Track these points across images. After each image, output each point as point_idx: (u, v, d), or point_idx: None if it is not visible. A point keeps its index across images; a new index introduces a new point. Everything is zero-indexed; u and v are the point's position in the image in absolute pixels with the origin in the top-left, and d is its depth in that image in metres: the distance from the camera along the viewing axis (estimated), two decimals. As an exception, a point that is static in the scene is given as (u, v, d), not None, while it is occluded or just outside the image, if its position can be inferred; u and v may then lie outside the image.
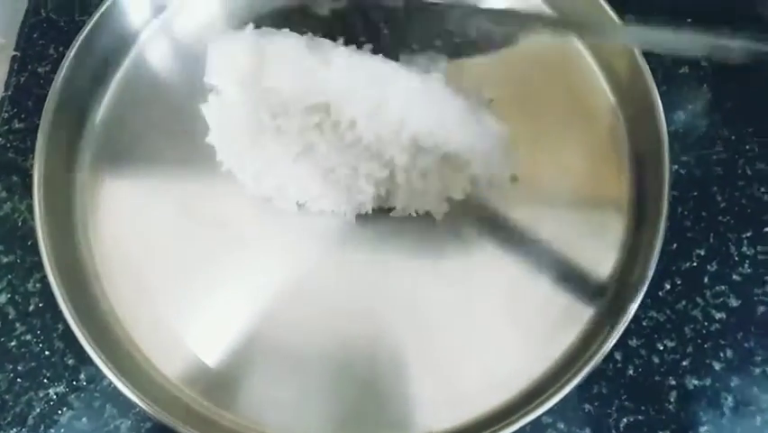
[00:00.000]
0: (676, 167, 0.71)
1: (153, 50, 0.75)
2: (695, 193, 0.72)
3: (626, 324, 0.59)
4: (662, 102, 0.66)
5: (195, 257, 0.65)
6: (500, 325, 0.64)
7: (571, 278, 0.65)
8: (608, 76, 0.72)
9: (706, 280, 0.68)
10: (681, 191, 0.70)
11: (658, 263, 0.61)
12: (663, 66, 0.75)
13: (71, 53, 0.69)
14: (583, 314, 0.64)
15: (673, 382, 0.64)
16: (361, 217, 0.66)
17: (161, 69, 0.75)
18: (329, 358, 0.62)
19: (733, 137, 0.73)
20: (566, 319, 0.64)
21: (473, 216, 0.67)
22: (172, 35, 0.76)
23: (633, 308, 0.59)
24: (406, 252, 0.66)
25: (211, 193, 0.67)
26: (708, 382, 0.64)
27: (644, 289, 0.60)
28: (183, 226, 0.67)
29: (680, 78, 0.77)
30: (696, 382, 0.64)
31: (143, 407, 0.57)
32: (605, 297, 0.64)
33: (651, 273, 0.60)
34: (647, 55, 0.67)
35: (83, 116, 0.72)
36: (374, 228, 0.66)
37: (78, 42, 0.69)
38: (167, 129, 0.71)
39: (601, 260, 0.66)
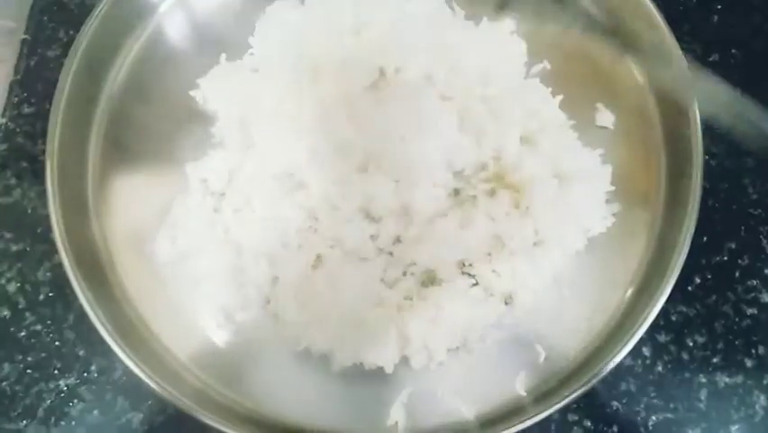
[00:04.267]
0: (706, 157, 0.69)
1: (166, 32, 0.73)
2: (726, 185, 0.69)
3: (654, 318, 0.57)
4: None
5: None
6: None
7: (597, 266, 0.63)
8: (639, 59, 0.69)
9: (737, 274, 0.66)
10: (711, 183, 0.68)
11: (688, 257, 0.58)
12: (694, 53, 0.73)
13: (82, 36, 0.67)
14: (609, 306, 0.62)
15: (704, 380, 0.62)
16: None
17: (176, 49, 0.72)
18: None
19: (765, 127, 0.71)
20: (591, 312, 0.62)
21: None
22: (187, 13, 0.74)
23: (661, 301, 0.57)
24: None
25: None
26: (739, 379, 0.62)
27: (673, 281, 0.58)
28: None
29: (710, 65, 0.74)
30: (727, 379, 0.63)
31: (159, 391, 0.55)
32: (632, 289, 0.62)
33: (680, 266, 0.58)
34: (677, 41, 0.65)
35: (95, 100, 0.69)
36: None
37: (90, 25, 0.67)
38: (180, 112, 0.69)
39: (629, 250, 0.63)
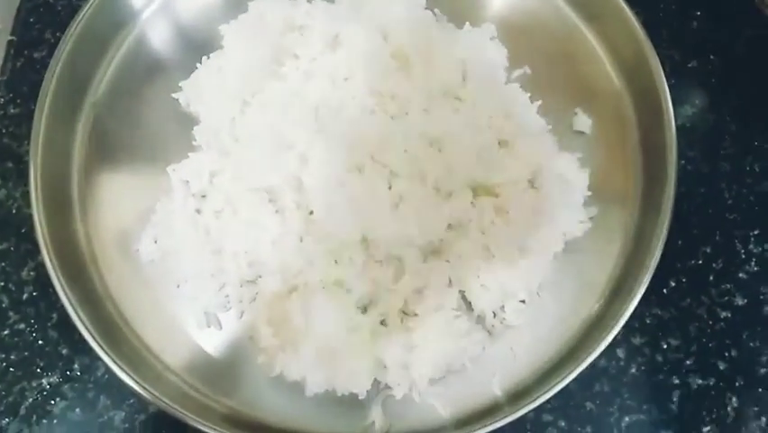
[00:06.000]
0: (683, 162, 0.70)
1: (153, 32, 0.74)
2: (702, 189, 0.70)
3: (627, 320, 0.58)
4: (671, 95, 0.64)
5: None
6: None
7: (573, 268, 0.64)
8: (617, 64, 0.71)
9: (711, 277, 0.67)
10: (687, 187, 0.69)
11: (663, 260, 0.59)
12: (672, 59, 0.74)
13: (68, 38, 0.68)
14: (584, 308, 0.63)
15: (677, 382, 0.63)
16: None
17: (160, 52, 0.73)
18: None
19: (741, 132, 0.72)
20: (567, 313, 0.63)
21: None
22: (173, 16, 0.75)
23: (635, 303, 0.58)
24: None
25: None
26: (712, 381, 0.63)
27: (647, 284, 0.59)
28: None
29: (688, 71, 0.75)
30: (700, 381, 0.63)
31: (140, 392, 0.56)
32: (607, 291, 0.63)
33: (654, 269, 0.59)
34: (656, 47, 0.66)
35: (80, 101, 0.70)
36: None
37: (75, 27, 0.68)
38: (164, 114, 0.70)
39: (605, 253, 0.65)
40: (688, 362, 0.64)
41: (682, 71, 0.74)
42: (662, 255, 0.59)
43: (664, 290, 0.66)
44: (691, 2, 0.78)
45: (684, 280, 0.67)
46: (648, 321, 0.65)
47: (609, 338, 0.57)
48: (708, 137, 0.73)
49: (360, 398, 0.58)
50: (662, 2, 0.78)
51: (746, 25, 0.77)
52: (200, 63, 0.70)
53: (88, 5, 0.69)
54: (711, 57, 0.76)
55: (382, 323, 0.61)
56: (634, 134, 0.69)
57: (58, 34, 0.76)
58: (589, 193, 0.65)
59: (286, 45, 0.68)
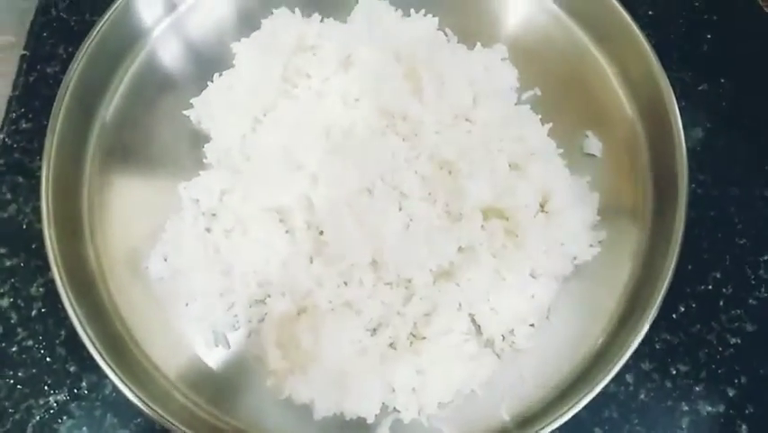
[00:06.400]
0: (693, 185, 0.70)
1: (164, 50, 0.74)
2: (712, 213, 0.70)
3: (637, 345, 0.57)
4: (681, 118, 0.64)
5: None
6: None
7: (583, 292, 0.64)
8: (628, 87, 0.71)
9: (721, 303, 0.67)
10: (697, 211, 0.69)
11: (673, 285, 0.59)
12: (683, 82, 0.74)
13: (81, 54, 0.68)
14: (593, 333, 0.62)
15: (686, 408, 0.63)
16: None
17: (172, 69, 0.74)
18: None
19: (752, 156, 0.72)
20: (576, 338, 0.62)
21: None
22: (183, 34, 0.75)
23: (645, 328, 0.58)
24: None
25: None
26: (721, 408, 0.63)
27: (657, 309, 0.58)
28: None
29: (699, 94, 0.75)
30: (709, 408, 0.63)
31: (147, 412, 0.55)
32: (616, 316, 0.63)
33: (664, 294, 0.59)
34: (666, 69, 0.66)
35: (92, 118, 0.71)
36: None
37: (89, 43, 0.68)
38: (175, 132, 0.70)
39: (614, 277, 0.64)
40: (697, 388, 0.64)
41: (693, 94, 0.74)
42: (672, 280, 0.59)
43: (674, 315, 0.66)
44: (702, 24, 0.78)
45: (694, 305, 0.67)
46: (657, 346, 0.65)
47: (620, 364, 0.57)
48: (719, 161, 0.72)
49: (368, 422, 0.58)
50: (673, 24, 0.78)
51: (757, 48, 0.77)
52: (211, 81, 0.70)
53: (102, 22, 0.69)
54: (722, 80, 0.76)
55: (391, 346, 0.61)
56: (644, 157, 0.69)
57: (70, 50, 0.77)
58: (599, 218, 0.65)
59: (298, 64, 0.68)
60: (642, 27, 0.68)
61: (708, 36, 0.78)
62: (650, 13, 0.79)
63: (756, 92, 0.75)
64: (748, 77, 0.76)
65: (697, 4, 0.80)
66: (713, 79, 0.76)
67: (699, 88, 0.75)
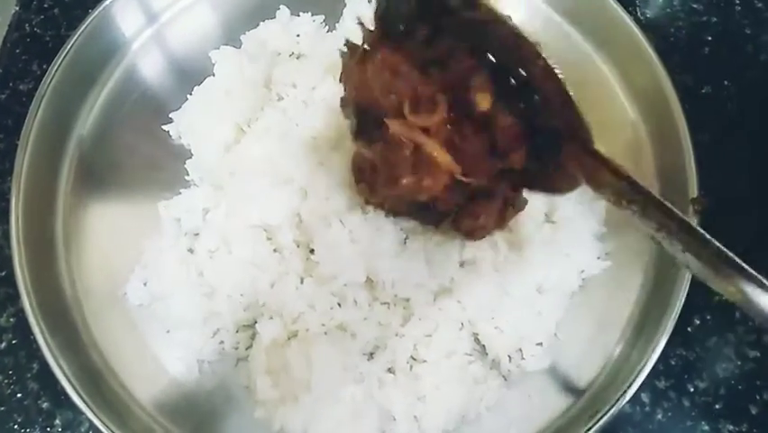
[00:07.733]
0: (702, 193, 0.67)
1: (143, 63, 0.71)
2: (721, 219, 0.67)
3: (653, 362, 0.54)
4: (687, 122, 0.62)
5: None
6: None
7: (592, 308, 0.60)
8: (631, 92, 0.68)
9: (738, 314, 0.63)
10: (707, 217, 0.66)
11: (687, 297, 0.56)
12: (685, 85, 0.72)
13: (55, 69, 0.65)
14: (605, 351, 0.59)
15: (707, 428, 0.59)
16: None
17: (152, 83, 0.71)
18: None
19: (759, 159, 0.69)
20: (586, 356, 0.59)
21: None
22: (164, 47, 0.72)
23: (661, 344, 0.54)
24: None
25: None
26: (744, 427, 0.59)
27: (673, 324, 0.55)
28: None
29: (702, 97, 0.73)
30: (731, 427, 0.59)
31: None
32: (628, 332, 0.59)
33: (680, 307, 0.55)
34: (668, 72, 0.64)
35: (67, 135, 0.67)
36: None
37: (63, 57, 0.66)
38: (154, 148, 0.67)
39: (624, 290, 0.61)
40: (717, 406, 0.60)
41: (696, 97, 0.72)
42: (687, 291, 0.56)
43: (689, 329, 0.63)
44: (703, 27, 0.76)
45: (709, 317, 0.63)
46: (673, 362, 0.61)
47: (637, 383, 0.53)
48: (725, 164, 0.70)
49: None
50: (673, 27, 0.76)
51: (760, 49, 0.75)
52: (191, 93, 0.67)
53: (76, 36, 0.66)
54: (725, 83, 0.73)
55: (389, 370, 0.57)
56: (649, 164, 0.66)
57: (45, 66, 0.73)
58: (605, 229, 0.62)
59: (283, 73, 0.65)
60: (643, 30, 0.66)
61: (709, 38, 0.76)
62: (648, 15, 0.77)
63: (760, 93, 0.73)
64: (751, 78, 0.74)
65: (697, 6, 0.78)
66: (716, 82, 0.73)
67: (703, 91, 0.73)
